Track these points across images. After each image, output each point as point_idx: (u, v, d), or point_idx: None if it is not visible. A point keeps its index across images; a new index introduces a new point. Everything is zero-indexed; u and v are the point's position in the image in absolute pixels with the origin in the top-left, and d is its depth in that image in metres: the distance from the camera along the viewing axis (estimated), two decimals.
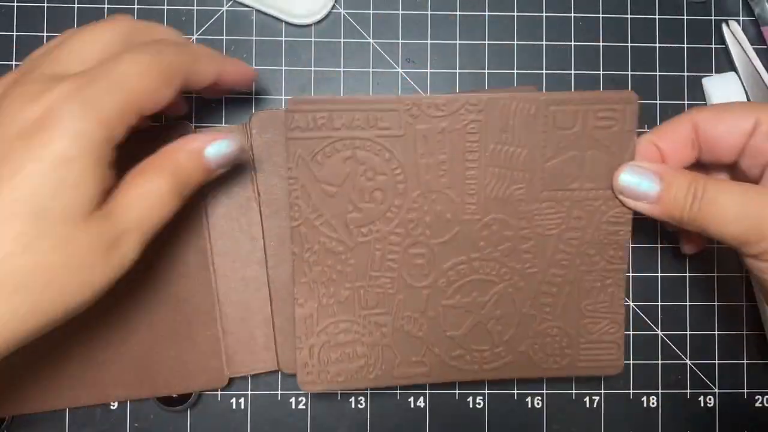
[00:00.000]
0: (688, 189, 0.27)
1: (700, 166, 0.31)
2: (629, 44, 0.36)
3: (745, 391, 0.36)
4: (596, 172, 0.29)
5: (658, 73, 0.36)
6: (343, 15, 0.36)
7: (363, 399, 0.35)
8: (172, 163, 0.26)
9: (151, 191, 0.25)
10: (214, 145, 0.28)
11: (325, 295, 0.30)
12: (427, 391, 0.35)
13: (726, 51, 0.36)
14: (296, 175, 0.28)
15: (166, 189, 0.26)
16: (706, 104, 0.36)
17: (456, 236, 0.29)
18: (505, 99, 0.28)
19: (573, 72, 0.36)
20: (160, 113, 0.27)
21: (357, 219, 0.29)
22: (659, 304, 0.36)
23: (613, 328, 0.31)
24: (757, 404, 0.36)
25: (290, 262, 0.31)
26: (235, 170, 0.32)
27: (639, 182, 0.28)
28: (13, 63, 0.35)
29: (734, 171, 0.30)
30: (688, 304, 0.36)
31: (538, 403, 0.36)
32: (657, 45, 0.37)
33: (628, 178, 0.28)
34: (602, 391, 0.36)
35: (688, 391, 0.36)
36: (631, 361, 0.36)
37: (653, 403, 0.36)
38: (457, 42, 0.36)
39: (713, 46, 0.37)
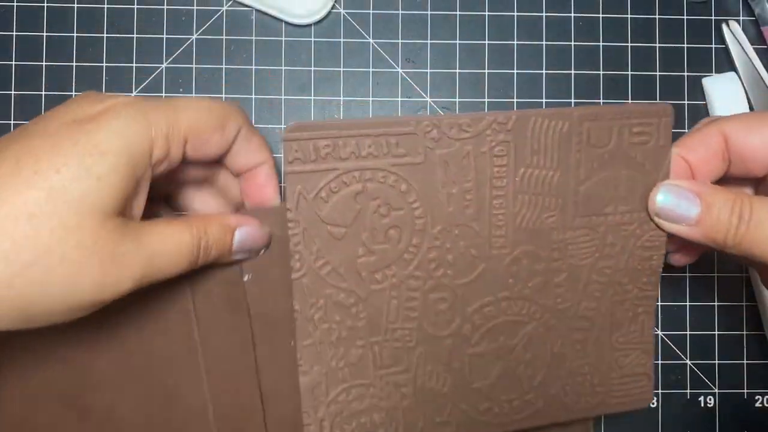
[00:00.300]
0: (732, 210, 0.25)
1: (722, 178, 0.29)
2: (629, 44, 0.36)
3: (745, 391, 0.36)
4: (630, 193, 0.27)
5: (658, 73, 0.36)
6: (343, 15, 0.36)
7: None
8: (203, 227, 0.26)
9: (174, 238, 0.25)
10: (244, 229, 0.27)
11: (334, 358, 0.26)
12: None
13: (726, 51, 0.36)
14: (297, 217, 0.25)
15: (189, 244, 0.25)
16: (706, 104, 0.36)
17: (482, 275, 0.26)
18: (535, 116, 0.25)
19: (573, 72, 0.36)
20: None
21: (370, 263, 0.25)
22: (659, 304, 0.36)
23: (644, 359, 0.29)
24: (757, 404, 0.36)
25: (283, 366, 0.28)
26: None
27: (677, 203, 0.26)
28: (13, 63, 0.35)
29: (760, 184, 0.28)
30: (688, 304, 0.36)
31: None
32: (657, 45, 0.37)
33: (665, 198, 0.26)
34: None
35: (688, 391, 0.36)
36: None
37: (653, 403, 0.36)
38: (457, 42, 0.36)
39: (713, 46, 0.37)
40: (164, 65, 0.36)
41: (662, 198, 0.26)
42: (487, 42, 0.36)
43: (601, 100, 0.36)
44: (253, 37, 0.36)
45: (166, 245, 0.25)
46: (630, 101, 0.26)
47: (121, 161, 0.23)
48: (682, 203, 0.26)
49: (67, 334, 0.29)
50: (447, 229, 0.26)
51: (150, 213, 0.31)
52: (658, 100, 0.36)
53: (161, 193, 0.30)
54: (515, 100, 0.36)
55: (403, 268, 0.26)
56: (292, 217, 0.25)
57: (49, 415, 0.30)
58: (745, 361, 0.36)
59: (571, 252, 0.27)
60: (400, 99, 0.36)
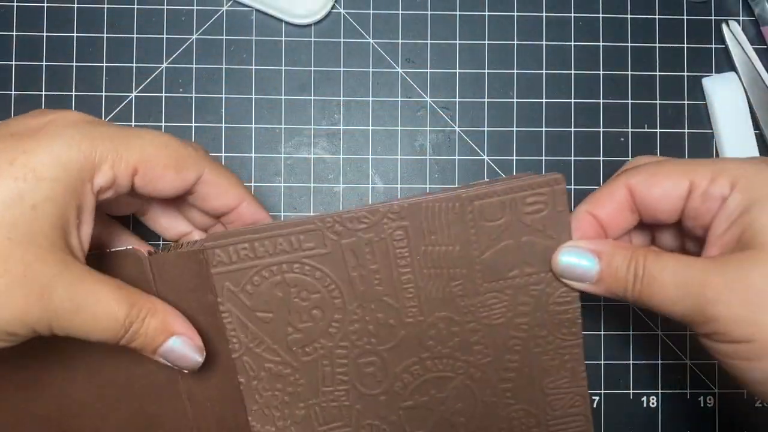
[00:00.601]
0: (628, 267, 0.26)
1: (648, 226, 0.30)
2: (629, 44, 0.36)
3: (745, 391, 0.36)
4: (534, 256, 0.28)
5: (658, 73, 0.36)
6: (343, 15, 0.36)
7: None
8: (144, 314, 0.25)
9: (109, 307, 0.23)
10: (181, 341, 0.26)
11: (281, 418, 0.29)
12: None
13: (726, 51, 0.36)
14: (228, 308, 0.28)
15: (120, 321, 0.24)
16: (706, 104, 0.36)
17: (403, 340, 0.29)
18: (426, 202, 0.27)
19: (573, 72, 0.36)
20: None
21: (298, 340, 0.28)
22: None
23: (578, 401, 0.30)
24: (757, 404, 0.36)
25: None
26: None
27: (577, 263, 0.27)
28: (13, 63, 0.35)
29: (681, 230, 0.29)
30: None
31: None
32: (657, 45, 0.37)
33: (566, 259, 0.27)
34: (602, 391, 0.36)
35: (688, 391, 0.36)
36: (631, 361, 0.36)
37: (653, 403, 0.36)
38: (457, 42, 0.36)
39: (713, 46, 0.37)
40: (164, 65, 0.36)
41: (563, 259, 0.27)
42: (487, 42, 0.36)
43: (601, 101, 0.36)
44: (253, 37, 0.36)
45: (97, 309, 0.23)
46: (518, 176, 0.27)
47: (58, 189, 0.22)
48: (582, 263, 0.27)
49: (43, 360, 0.29)
50: (363, 305, 0.28)
51: (110, 232, 0.30)
52: (658, 100, 0.36)
53: (129, 210, 0.29)
54: (515, 100, 0.36)
55: (329, 341, 0.29)
56: (225, 309, 0.28)
57: None
58: None
59: (483, 314, 0.28)
60: (400, 99, 0.36)
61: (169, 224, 0.30)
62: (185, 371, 0.27)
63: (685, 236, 0.29)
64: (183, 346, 0.26)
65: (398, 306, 0.28)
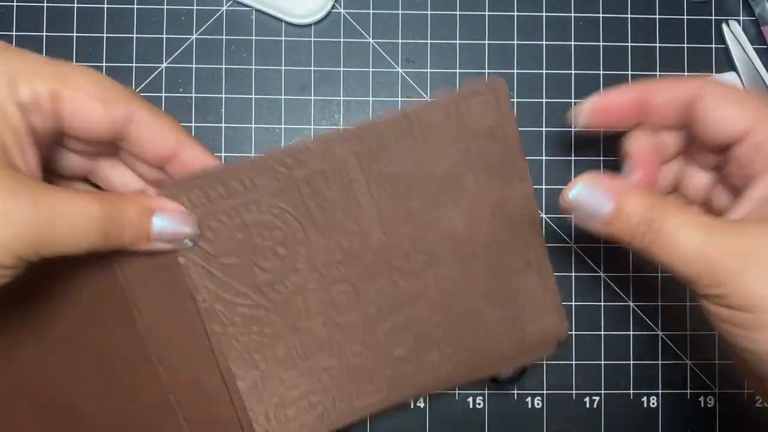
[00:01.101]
0: (642, 217, 0.25)
1: (687, 153, 0.30)
2: (629, 44, 0.36)
3: (745, 391, 0.36)
4: (486, 161, 0.28)
5: (658, 73, 0.36)
6: (343, 15, 0.36)
7: None
8: (118, 204, 0.24)
9: (81, 207, 0.22)
10: (165, 216, 0.25)
11: (262, 360, 0.29)
12: None
13: (726, 51, 0.36)
14: (191, 258, 0.27)
15: (97, 217, 0.23)
16: None
17: (371, 263, 0.29)
18: (374, 125, 0.27)
19: (573, 72, 0.36)
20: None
21: (267, 280, 0.28)
22: (659, 304, 0.36)
23: (549, 299, 0.30)
24: (757, 404, 0.36)
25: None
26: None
27: (589, 200, 0.25)
28: None
29: (721, 162, 0.29)
30: (688, 304, 0.36)
31: (538, 403, 0.36)
32: (657, 45, 0.37)
33: (579, 193, 0.26)
34: (602, 391, 0.36)
35: (688, 391, 0.36)
36: (631, 361, 0.36)
37: (653, 403, 0.36)
38: (457, 42, 0.36)
39: (713, 46, 0.37)
40: (164, 65, 0.36)
41: (576, 192, 0.26)
42: (487, 42, 0.36)
43: None
44: (253, 37, 0.36)
45: (69, 211, 0.22)
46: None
47: None
48: (594, 200, 0.25)
49: (15, 332, 0.28)
50: (326, 234, 0.28)
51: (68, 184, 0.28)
52: None
53: (76, 169, 0.28)
54: (515, 99, 0.36)
55: (298, 276, 0.28)
56: (186, 259, 0.27)
57: (16, 415, 0.29)
58: None
59: (444, 225, 0.29)
60: (400, 99, 0.36)
61: (120, 180, 0.29)
62: (190, 245, 0.27)
63: (721, 181, 0.29)
64: (171, 221, 0.25)
65: (360, 230, 0.28)
